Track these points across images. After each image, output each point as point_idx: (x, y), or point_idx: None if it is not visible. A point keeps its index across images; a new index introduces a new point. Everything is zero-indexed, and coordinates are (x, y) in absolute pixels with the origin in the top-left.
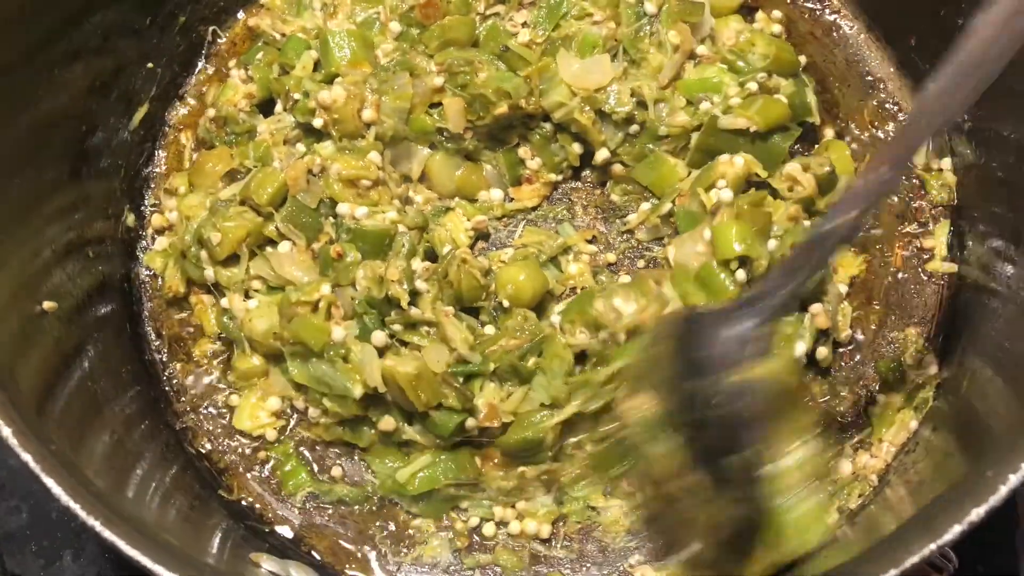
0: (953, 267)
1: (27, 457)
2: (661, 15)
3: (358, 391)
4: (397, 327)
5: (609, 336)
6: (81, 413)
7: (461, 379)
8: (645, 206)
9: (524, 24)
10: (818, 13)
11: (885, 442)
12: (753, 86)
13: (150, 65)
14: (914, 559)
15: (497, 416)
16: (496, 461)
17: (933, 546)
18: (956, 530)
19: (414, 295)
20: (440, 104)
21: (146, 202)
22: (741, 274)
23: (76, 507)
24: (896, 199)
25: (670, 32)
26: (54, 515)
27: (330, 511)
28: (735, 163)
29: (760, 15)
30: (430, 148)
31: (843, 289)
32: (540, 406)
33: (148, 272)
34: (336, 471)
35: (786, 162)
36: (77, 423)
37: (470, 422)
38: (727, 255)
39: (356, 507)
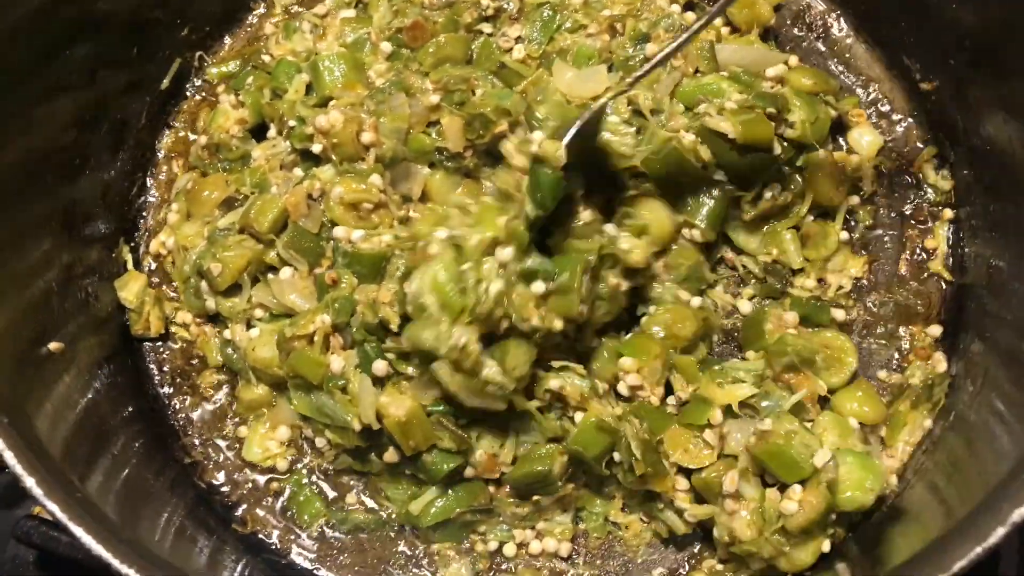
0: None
1: (53, 506)
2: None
3: (357, 424)
4: (391, 356)
5: None
6: (89, 450)
7: (454, 419)
8: None
9: (518, 39)
10: (809, 16)
11: (900, 442)
12: (757, 100)
13: (137, 94)
14: (962, 563)
15: (496, 467)
16: (508, 490)
17: (979, 549)
18: (1000, 532)
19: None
20: (437, 123)
21: (139, 233)
22: None
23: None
24: (896, 196)
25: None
26: (7, 565)
27: (347, 539)
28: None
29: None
30: (429, 167)
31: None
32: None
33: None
34: (351, 498)
35: (767, 184)
36: (85, 460)
37: (468, 471)
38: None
39: (374, 533)
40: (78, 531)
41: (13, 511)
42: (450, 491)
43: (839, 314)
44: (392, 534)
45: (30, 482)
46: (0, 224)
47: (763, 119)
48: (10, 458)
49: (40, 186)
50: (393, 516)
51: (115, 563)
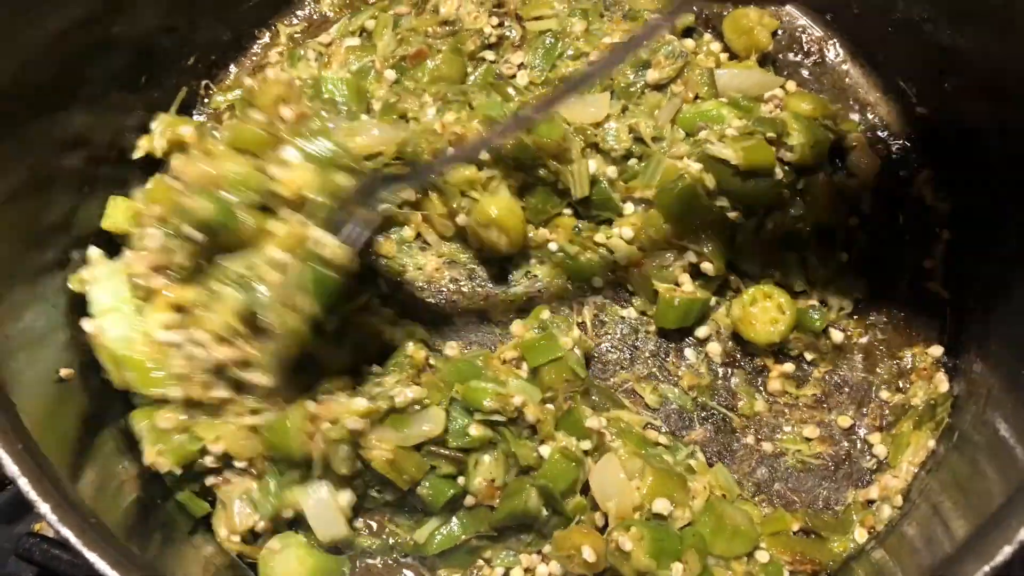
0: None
1: (67, 532)
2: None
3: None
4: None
5: None
6: (101, 476)
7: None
8: None
9: (521, 65)
10: (805, 42)
11: (904, 462)
12: (757, 125)
13: (145, 122)
14: None
15: (495, 494)
16: None
17: (987, 568)
18: (1007, 551)
19: None
20: None
21: None
22: None
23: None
24: (894, 218)
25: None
26: None
27: (355, 564)
28: None
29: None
30: None
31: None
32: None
33: None
34: (357, 523)
35: (769, 210)
36: (99, 488)
37: (469, 500)
38: None
39: (381, 558)
40: (92, 557)
41: (14, 527)
42: (454, 518)
43: (837, 336)
44: (400, 559)
45: (44, 508)
46: (10, 247)
47: (764, 144)
48: (24, 484)
49: (49, 211)
50: (399, 546)
51: None
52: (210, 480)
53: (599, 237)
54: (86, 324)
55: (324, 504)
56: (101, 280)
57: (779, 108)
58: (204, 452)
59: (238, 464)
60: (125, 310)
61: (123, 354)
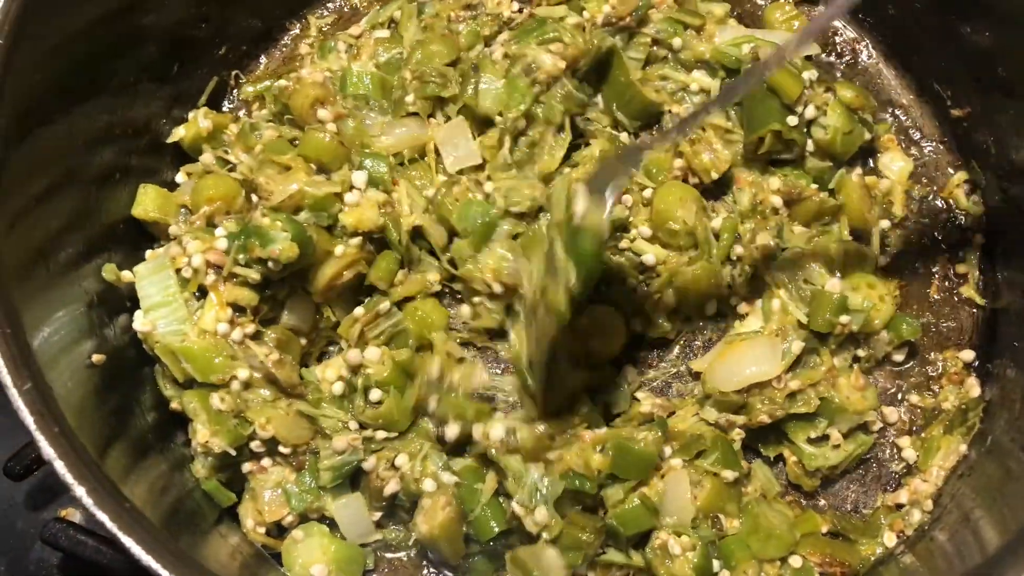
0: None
1: (103, 516)
2: None
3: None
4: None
5: None
6: (131, 463)
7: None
8: None
9: None
10: (838, 43)
11: (935, 466)
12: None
13: (175, 111)
14: None
15: None
16: None
17: None
18: None
19: None
20: None
21: None
22: None
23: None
24: (927, 221)
25: None
26: (32, 567)
27: (378, 556)
28: None
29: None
30: None
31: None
32: None
33: None
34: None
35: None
36: (129, 474)
37: None
38: None
39: (404, 553)
40: (128, 541)
41: (40, 513)
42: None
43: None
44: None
45: (80, 491)
46: (43, 234)
47: None
48: (60, 467)
49: (80, 199)
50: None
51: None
52: (247, 466)
53: (622, 244)
54: (137, 323)
55: (357, 514)
56: (147, 274)
57: (828, 90)
58: (252, 437)
59: (283, 450)
60: (174, 304)
61: (180, 347)
